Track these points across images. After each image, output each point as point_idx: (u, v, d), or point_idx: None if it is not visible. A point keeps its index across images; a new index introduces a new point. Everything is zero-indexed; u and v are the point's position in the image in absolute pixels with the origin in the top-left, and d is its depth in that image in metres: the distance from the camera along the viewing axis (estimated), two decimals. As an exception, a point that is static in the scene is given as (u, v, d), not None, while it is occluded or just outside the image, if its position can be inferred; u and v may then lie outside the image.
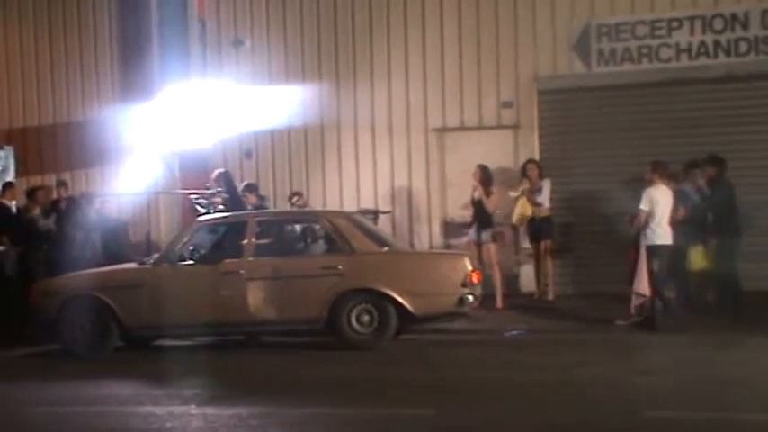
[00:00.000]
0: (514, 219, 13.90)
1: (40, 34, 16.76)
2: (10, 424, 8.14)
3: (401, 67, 15.08)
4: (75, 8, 16.62)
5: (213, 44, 15.88)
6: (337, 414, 7.96)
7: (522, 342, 11.29)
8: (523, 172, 13.82)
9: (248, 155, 15.73)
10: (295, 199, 14.27)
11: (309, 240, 12.03)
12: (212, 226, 12.01)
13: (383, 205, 15.02)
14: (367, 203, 14.94)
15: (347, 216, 11.92)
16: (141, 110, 15.44)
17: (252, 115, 15.27)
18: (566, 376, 8.98)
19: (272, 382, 9.38)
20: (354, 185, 15.27)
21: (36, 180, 15.98)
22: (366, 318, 10.79)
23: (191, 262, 11.26)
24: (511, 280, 14.15)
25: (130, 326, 11.15)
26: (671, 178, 13.00)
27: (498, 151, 14.47)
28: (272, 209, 14.21)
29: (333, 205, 14.89)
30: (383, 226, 14.24)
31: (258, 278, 11.02)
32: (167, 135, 15.30)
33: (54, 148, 16.60)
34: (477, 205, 13.48)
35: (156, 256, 11.88)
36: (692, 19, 13.96)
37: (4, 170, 15.71)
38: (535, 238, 13.83)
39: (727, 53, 13.85)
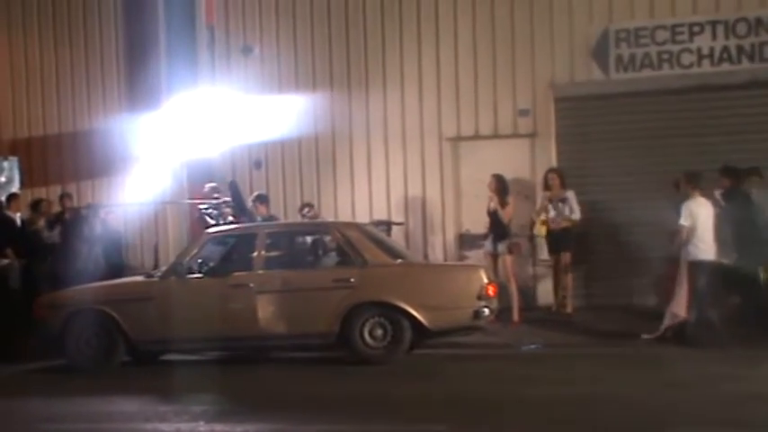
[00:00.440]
0: (537, 230, 13.92)
1: (45, 42, 16.86)
2: (14, 441, 8.19)
3: (414, 74, 15.09)
4: (80, 16, 16.70)
5: (222, 52, 15.91)
6: (349, 430, 7.98)
7: (539, 356, 11.31)
8: (545, 182, 13.80)
9: (258, 165, 15.77)
10: (306, 210, 14.28)
11: (321, 252, 12.05)
12: (221, 238, 12.05)
13: (396, 216, 15.01)
14: (380, 214, 14.93)
15: (359, 227, 11.94)
16: (148, 119, 15.50)
17: (261, 125, 15.29)
18: (583, 391, 8.96)
19: (283, 399, 9.38)
20: (367, 196, 15.28)
21: (41, 192, 16.07)
22: (379, 332, 10.79)
23: (199, 275, 11.31)
24: (527, 293, 14.13)
25: (137, 340, 11.19)
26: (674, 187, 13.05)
27: (514, 160, 14.47)
28: (282, 220, 14.25)
29: (345, 216, 14.90)
30: (396, 237, 14.23)
31: (268, 291, 11.05)
32: (175, 145, 15.34)
33: (59, 159, 16.67)
34: (493, 216, 13.47)
35: (163, 268, 11.92)
36: (714, 23, 13.92)
37: (9, 181, 15.77)
38: (554, 249, 13.81)
39: (751, 58, 13.81)
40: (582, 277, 14.17)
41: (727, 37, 13.88)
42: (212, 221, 13.15)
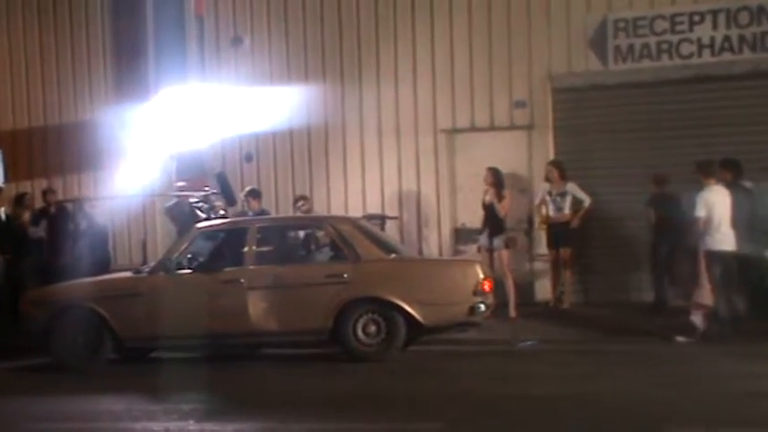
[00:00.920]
0: (537, 224, 13.94)
1: (30, 31, 16.81)
2: (-2, 441, 8.17)
3: (409, 66, 15.07)
4: (66, 5, 16.66)
5: (211, 42, 15.88)
6: (342, 429, 7.98)
7: (536, 353, 11.30)
8: (546, 175, 13.80)
9: (249, 158, 15.75)
10: (300, 203, 14.24)
11: (313, 247, 12.05)
12: (211, 233, 12.01)
13: (390, 210, 15.00)
14: (373, 208, 14.93)
15: (353, 222, 11.91)
16: (137, 111, 15.47)
17: (252, 117, 15.27)
18: (581, 389, 8.95)
19: (274, 396, 9.37)
20: (360, 189, 15.26)
21: (26, 186, 16.04)
22: (373, 328, 10.78)
23: (189, 270, 11.29)
24: (524, 288, 14.12)
25: (125, 337, 11.16)
26: (658, 183, 13.08)
27: (511, 153, 14.47)
28: (273, 215, 14.23)
29: (338, 210, 14.90)
30: (390, 232, 14.25)
31: (260, 287, 11.03)
32: (164, 137, 15.31)
33: (45, 152, 16.65)
34: (489, 210, 13.46)
35: (152, 264, 11.89)
36: (715, 12, 13.89)
37: (-7, 175, 15.74)
38: (553, 244, 13.81)
39: (753, 48, 13.78)
40: (579, 272, 14.16)
41: (728, 26, 13.85)
42: (203, 215, 13.11)
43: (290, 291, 10.98)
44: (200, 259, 11.56)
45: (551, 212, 13.72)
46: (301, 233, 12.42)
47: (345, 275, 10.88)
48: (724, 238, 11.30)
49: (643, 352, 10.94)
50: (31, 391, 10.24)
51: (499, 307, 12.23)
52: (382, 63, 15.20)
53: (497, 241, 13.35)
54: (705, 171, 11.48)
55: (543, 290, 14.26)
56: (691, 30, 13.99)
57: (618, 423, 7.72)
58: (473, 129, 14.87)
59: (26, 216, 14.50)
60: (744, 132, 13.42)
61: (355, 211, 14.59)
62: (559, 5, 14.45)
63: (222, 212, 13.38)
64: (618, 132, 14.07)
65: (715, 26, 13.91)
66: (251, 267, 11.13)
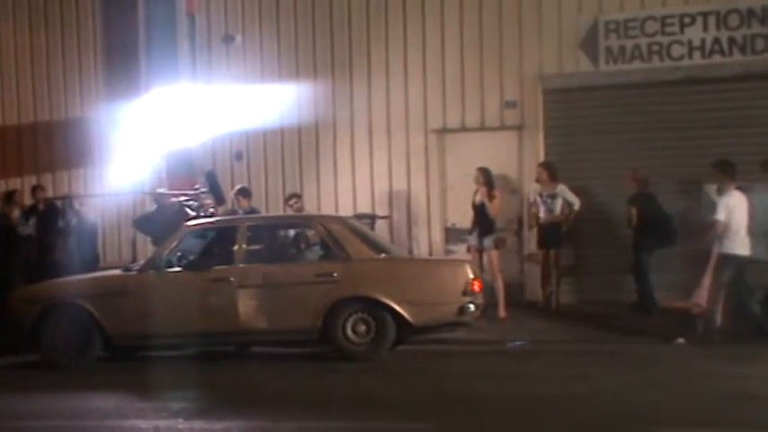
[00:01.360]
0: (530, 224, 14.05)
1: (20, 30, 16.77)
2: (-14, 438, 8.17)
3: (400, 64, 15.10)
4: (57, 1, 16.62)
5: (203, 40, 15.90)
6: (331, 428, 8.01)
7: (525, 353, 11.33)
8: (537, 177, 13.86)
9: (239, 156, 15.75)
10: (293, 201, 14.24)
11: (303, 246, 12.07)
12: (201, 231, 12.02)
13: (380, 209, 15.02)
14: (364, 207, 14.95)
15: (343, 221, 11.93)
16: (127, 108, 15.47)
17: (243, 115, 15.29)
18: (570, 389, 8.99)
19: (264, 395, 9.39)
20: (350, 188, 15.28)
21: (15, 182, 16.02)
22: (362, 327, 10.81)
23: (178, 269, 11.31)
24: (514, 288, 14.16)
25: (114, 335, 11.17)
26: (639, 182, 13.14)
27: (501, 153, 14.50)
28: (263, 213, 14.25)
29: (328, 209, 14.91)
30: (380, 231, 14.26)
31: (249, 286, 11.05)
32: (154, 135, 15.33)
33: (35, 149, 16.62)
34: (479, 210, 13.49)
35: (141, 262, 11.90)
36: (705, 15, 13.95)
37: (-17, 173, 15.72)
38: (543, 244, 13.85)
39: (743, 51, 13.84)
40: (569, 272, 14.19)
41: (718, 28, 13.90)
42: (193, 213, 13.14)
43: (279, 289, 11.00)
44: (190, 257, 11.56)
45: (542, 214, 13.76)
46: (291, 232, 12.43)
47: (335, 275, 10.91)
48: (741, 243, 11.34)
49: (633, 352, 11.00)
50: (19, 388, 10.23)
51: (489, 307, 12.28)
52: (373, 62, 15.22)
53: (487, 241, 13.39)
54: (729, 173, 11.53)
55: (534, 290, 14.29)
56: (681, 32, 14.04)
57: (607, 423, 7.77)
58: (463, 128, 14.90)
59: (16, 213, 14.47)
60: (734, 134, 13.48)
61: (345, 210, 14.60)
62: (551, 6, 14.48)
63: (212, 210, 13.40)
64: (608, 133, 14.10)
65: (705, 28, 13.96)
66: (241, 266, 11.15)
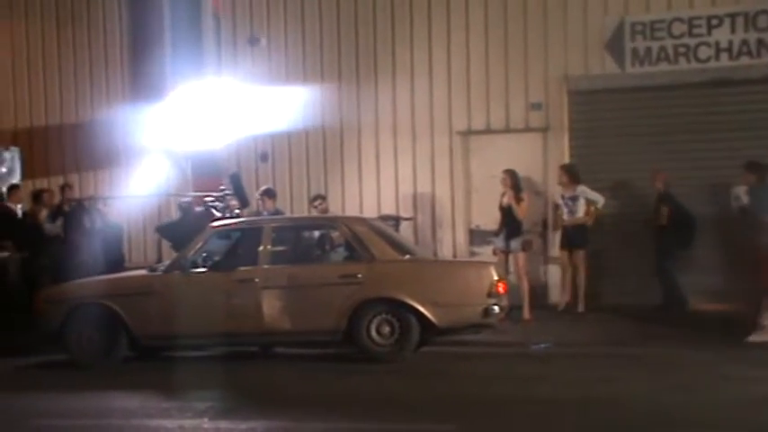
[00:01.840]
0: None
1: (48, 29, 16.92)
2: (13, 437, 8.25)
3: (425, 66, 15.13)
4: (84, 3, 16.77)
5: (228, 41, 15.98)
6: (355, 428, 8.02)
7: (549, 356, 11.31)
8: (559, 179, 13.85)
9: (264, 157, 15.82)
10: (318, 202, 14.29)
11: (328, 247, 12.10)
12: (226, 232, 12.08)
13: (405, 211, 15.06)
14: (388, 209, 14.97)
15: (367, 222, 11.94)
16: (152, 109, 15.57)
17: (268, 116, 15.34)
18: (594, 393, 8.97)
19: (288, 396, 9.43)
20: (375, 190, 15.32)
21: (42, 183, 16.15)
22: (386, 329, 10.82)
23: (203, 269, 11.37)
24: (539, 290, 14.15)
25: (140, 335, 11.23)
26: (663, 183, 13.12)
27: (526, 155, 14.50)
28: (288, 214, 14.31)
29: (352, 211, 14.95)
30: (405, 233, 14.29)
31: (274, 287, 11.08)
32: (179, 136, 15.41)
33: (61, 150, 16.75)
34: (507, 212, 13.48)
35: (167, 262, 11.98)
36: (733, 16, 13.89)
37: (10, 172, 15.80)
38: (567, 246, 13.84)
39: (772, 52, 13.80)
40: (594, 275, 14.15)
41: (746, 30, 13.84)
42: (218, 214, 13.23)
43: (304, 290, 11.03)
44: (215, 258, 11.63)
45: (565, 216, 13.75)
46: (316, 233, 12.47)
47: (359, 276, 10.93)
48: None
49: (659, 355, 10.93)
50: (45, 387, 10.32)
51: (513, 309, 12.28)
52: (398, 64, 15.25)
53: (515, 244, 13.38)
54: (761, 174, 11.50)
55: (558, 292, 14.27)
56: (709, 33, 13.98)
57: (629, 427, 7.76)
58: (488, 130, 14.91)
59: (43, 213, 14.59)
60: (761, 137, 13.41)
61: (370, 212, 14.61)
62: (576, 7, 14.47)
63: (237, 212, 13.48)
64: (634, 135, 14.07)
65: (733, 30, 13.89)
66: (265, 267, 11.18)
